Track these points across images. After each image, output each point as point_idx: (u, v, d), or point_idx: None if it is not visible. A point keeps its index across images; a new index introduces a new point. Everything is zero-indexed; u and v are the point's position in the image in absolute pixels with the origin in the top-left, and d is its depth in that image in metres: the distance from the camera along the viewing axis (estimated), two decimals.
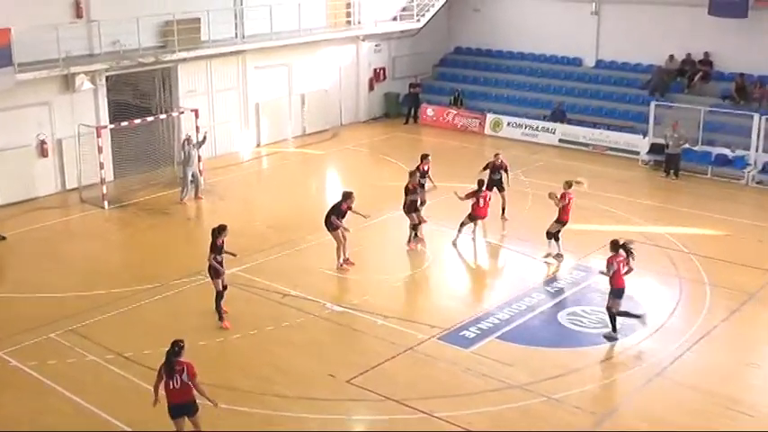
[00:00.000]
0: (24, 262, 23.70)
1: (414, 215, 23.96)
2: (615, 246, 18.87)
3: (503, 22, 41.76)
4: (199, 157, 29.29)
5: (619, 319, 19.01)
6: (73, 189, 29.46)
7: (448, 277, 23.18)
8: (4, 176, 27.91)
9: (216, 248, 19.43)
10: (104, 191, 28.12)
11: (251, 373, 17.52)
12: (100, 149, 28.22)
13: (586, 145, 35.33)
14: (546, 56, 40.65)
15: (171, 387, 14.17)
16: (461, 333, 19.17)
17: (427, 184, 25.58)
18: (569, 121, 36.58)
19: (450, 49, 44.07)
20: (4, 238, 25.11)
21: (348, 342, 19.04)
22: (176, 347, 14.27)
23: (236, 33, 34.35)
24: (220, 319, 19.50)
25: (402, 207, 24.12)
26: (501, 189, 26.26)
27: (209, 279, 19.70)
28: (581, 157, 34.22)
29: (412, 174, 24.39)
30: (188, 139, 28.60)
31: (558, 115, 36.63)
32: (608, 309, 19.04)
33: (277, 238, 24.65)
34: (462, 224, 24.15)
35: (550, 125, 36.52)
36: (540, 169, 31.73)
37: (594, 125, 36.05)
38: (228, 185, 30.71)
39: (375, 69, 41.07)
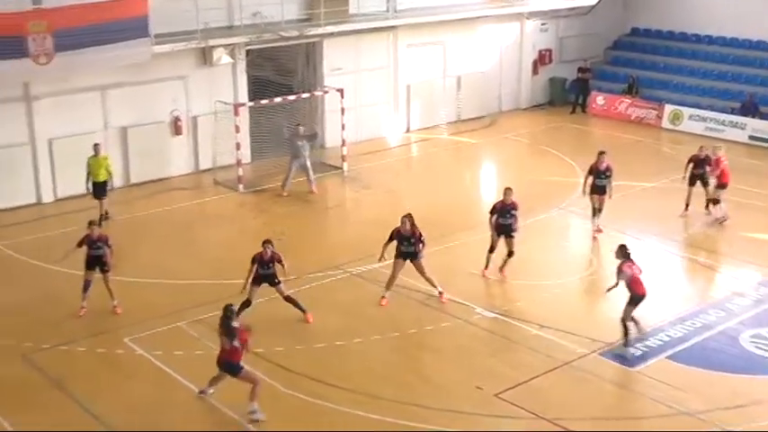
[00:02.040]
0: (154, 245, 24.55)
1: (497, 239, 22.45)
2: (623, 252, 18.92)
3: (687, 0, 40.87)
4: (347, 143, 29.73)
5: None
6: (207, 170, 30.41)
7: None
8: (137, 154, 29.07)
9: (254, 259, 19.58)
10: (240, 173, 28.86)
11: (392, 379, 17.69)
12: (237, 128, 28.90)
13: None
14: (738, 40, 39.64)
15: (224, 347, 16.12)
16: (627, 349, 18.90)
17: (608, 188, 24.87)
18: (762, 116, 35.54)
19: (625, 30, 43.40)
20: (107, 217, 25.74)
21: (498, 352, 18.99)
22: (228, 312, 16.21)
23: (387, 7, 34.68)
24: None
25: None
26: (705, 184, 26.26)
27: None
28: None
29: (507, 191, 22.34)
30: (295, 128, 28.94)
31: (750, 108, 35.66)
32: (622, 320, 18.85)
33: (425, 234, 24.67)
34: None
35: (740, 119, 35.53)
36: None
37: None
38: (374, 173, 31.07)
39: (540, 51, 40.84)
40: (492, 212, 22.06)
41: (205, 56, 29.91)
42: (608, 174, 24.60)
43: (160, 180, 29.53)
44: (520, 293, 21.49)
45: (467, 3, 36.64)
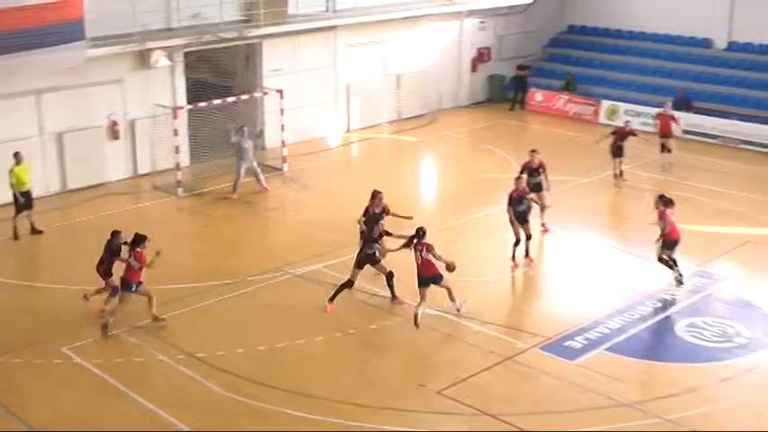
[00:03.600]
0: (90, 252, 23.93)
1: (519, 228, 22.77)
2: (664, 200, 21.50)
3: None
4: (287, 144, 29.46)
5: (749, 329, 19.33)
6: (145, 174, 30.01)
7: (553, 281, 22.95)
8: (73, 159, 28.54)
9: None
10: (179, 177, 28.55)
11: (331, 379, 17.59)
12: (176, 132, 28.60)
13: (714, 137, 34.62)
14: (671, 36, 39.94)
15: (417, 262, 19.41)
16: (566, 343, 18.95)
17: (544, 184, 24.76)
18: (695, 111, 35.83)
19: (562, 27, 43.65)
20: (40, 231, 25.28)
21: (440, 349, 19.01)
22: (420, 232, 19.42)
23: (327, 7, 34.51)
24: (393, 297, 20.80)
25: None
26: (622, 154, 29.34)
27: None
28: (708, 150, 33.53)
29: (517, 180, 23.15)
30: (240, 130, 28.59)
31: (683, 103, 35.79)
32: (659, 258, 21.43)
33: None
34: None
35: (673, 114, 35.75)
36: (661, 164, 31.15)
37: (724, 115, 35.29)
38: (314, 173, 30.89)
39: (479, 49, 40.90)
40: (509, 204, 22.66)
41: (143, 59, 29.51)
42: (540, 171, 24.69)
43: (98, 185, 29.01)
44: (462, 290, 21.38)
45: (406, 2, 36.59)
